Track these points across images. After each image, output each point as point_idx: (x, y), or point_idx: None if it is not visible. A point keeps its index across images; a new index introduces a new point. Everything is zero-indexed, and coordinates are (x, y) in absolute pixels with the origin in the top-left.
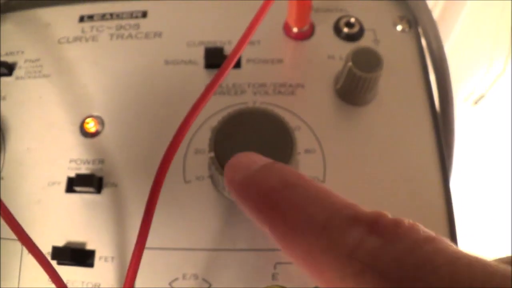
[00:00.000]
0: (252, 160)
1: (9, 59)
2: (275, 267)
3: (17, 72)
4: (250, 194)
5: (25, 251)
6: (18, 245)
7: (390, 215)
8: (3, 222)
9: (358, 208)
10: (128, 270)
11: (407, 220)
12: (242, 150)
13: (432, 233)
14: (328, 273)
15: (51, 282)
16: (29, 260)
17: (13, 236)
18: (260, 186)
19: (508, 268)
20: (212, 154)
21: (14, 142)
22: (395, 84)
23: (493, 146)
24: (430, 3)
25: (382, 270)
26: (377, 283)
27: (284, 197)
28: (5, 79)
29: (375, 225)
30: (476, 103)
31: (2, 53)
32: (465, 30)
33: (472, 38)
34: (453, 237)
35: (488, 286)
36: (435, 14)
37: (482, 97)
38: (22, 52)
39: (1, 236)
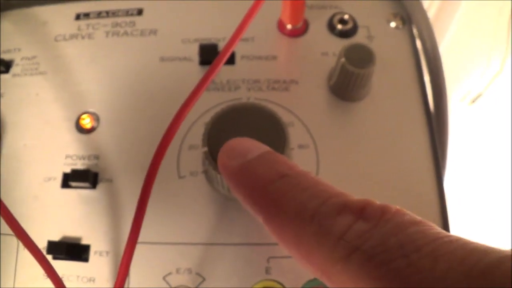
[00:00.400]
0: (247, 148)
1: (6, 57)
2: (268, 261)
3: (14, 70)
4: (245, 183)
5: (21, 246)
6: (14, 241)
7: (377, 202)
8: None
9: (347, 197)
10: (121, 264)
11: (393, 206)
12: None
13: (417, 217)
14: (319, 259)
15: (46, 278)
16: (25, 255)
17: (9, 231)
18: (255, 176)
19: (486, 245)
20: (206, 149)
21: (11, 139)
22: (388, 80)
23: (490, 145)
24: (426, 2)
25: (368, 251)
26: (364, 265)
27: (277, 188)
28: (2, 76)
29: (363, 211)
30: (473, 102)
31: None
32: (462, 29)
33: (469, 37)
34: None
35: (467, 262)
36: (432, 12)
37: (479, 96)
38: (19, 50)
39: None
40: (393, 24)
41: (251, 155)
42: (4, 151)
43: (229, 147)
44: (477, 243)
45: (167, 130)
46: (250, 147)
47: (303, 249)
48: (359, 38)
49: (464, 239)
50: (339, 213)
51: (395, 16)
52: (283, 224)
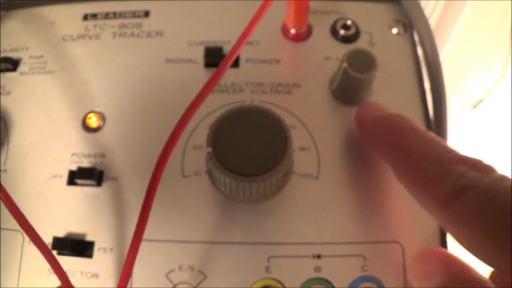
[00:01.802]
0: (384, 107)
1: (13, 55)
2: (268, 260)
3: (21, 68)
4: (381, 128)
5: (26, 242)
6: (19, 236)
7: (485, 161)
8: (4, 213)
9: (462, 153)
10: (126, 261)
11: (494, 167)
12: (239, 146)
13: (505, 174)
14: (440, 193)
15: (51, 273)
16: (30, 250)
17: (15, 226)
18: (392, 124)
19: None
20: (210, 149)
21: (17, 136)
22: (389, 85)
23: (491, 149)
24: (428, 8)
25: (481, 189)
26: (476, 196)
27: (410, 135)
28: (9, 75)
29: (476, 164)
30: (474, 107)
31: (7, 49)
32: (464, 35)
33: (471, 44)
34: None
35: None
36: (434, 17)
37: (480, 101)
38: (27, 49)
39: (3, 227)
40: (394, 30)
41: (386, 111)
42: (10, 148)
43: (366, 105)
44: None
45: (173, 131)
46: (386, 107)
47: (427, 185)
48: (361, 43)
49: None
50: (458, 162)
51: (397, 23)
52: (412, 162)
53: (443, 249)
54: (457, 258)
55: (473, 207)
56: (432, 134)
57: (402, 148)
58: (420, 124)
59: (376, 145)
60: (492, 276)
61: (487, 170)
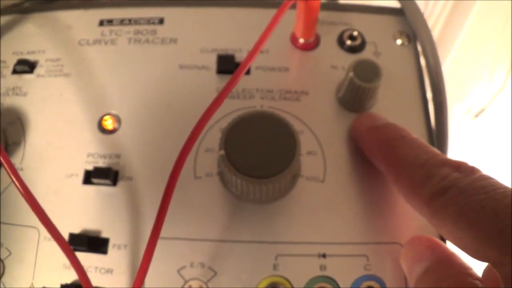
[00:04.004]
0: (377, 117)
1: (30, 58)
2: (276, 258)
3: (38, 70)
4: (375, 137)
5: (42, 238)
6: (35, 232)
7: (469, 163)
8: (19, 209)
9: (447, 157)
10: (142, 259)
11: (479, 168)
12: (250, 150)
13: (488, 175)
14: (425, 192)
15: (66, 268)
16: (46, 246)
17: (31, 223)
18: (385, 133)
19: None
20: (222, 152)
21: (34, 136)
22: (393, 94)
23: (492, 157)
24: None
25: (461, 187)
26: (456, 194)
27: (400, 143)
28: (26, 76)
29: (459, 167)
30: (476, 116)
31: (24, 51)
32: (467, 45)
33: (473, 55)
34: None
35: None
36: (437, 29)
37: (482, 111)
38: (43, 52)
39: (19, 223)
40: (399, 41)
41: (379, 122)
42: (27, 147)
43: (362, 116)
44: None
45: (190, 135)
46: (380, 117)
47: (414, 186)
48: (367, 53)
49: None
50: (443, 165)
51: (401, 34)
52: (402, 168)
53: (431, 237)
54: (443, 245)
55: (454, 204)
56: (422, 141)
57: (393, 154)
58: (410, 133)
59: (371, 153)
60: (484, 272)
61: (468, 171)
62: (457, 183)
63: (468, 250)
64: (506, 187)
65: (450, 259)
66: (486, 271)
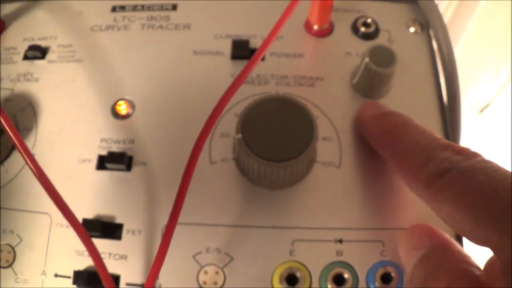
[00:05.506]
0: (381, 106)
1: (42, 43)
2: (292, 244)
3: (49, 56)
4: (379, 125)
5: (54, 224)
6: (47, 218)
7: (471, 149)
8: (31, 195)
9: (449, 141)
10: (160, 246)
11: (479, 153)
12: (267, 133)
13: (488, 159)
14: (425, 175)
15: (79, 254)
16: (57, 232)
17: (42, 209)
18: (388, 121)
19: None
20: (240, 135)
21: (46, 122)
22: (407, 81)
23: (496, 153)
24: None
25: (461, 169)
26: (456, 176)
27: (402, 130)
28: (38, 62)
29: (460, 151)
30: (481, 112)
31: (35, 37)
32: (472, 42)
33: (478, 50)
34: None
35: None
36: None
37: (487, 106)
38: (55, 38)
39: (30, 209)
40: (412, 29)
41: (382, 110)
42: (39, 132)
43: (365, 105)
44: None
45: (207, 121)
46: (383, 106)
47: (414, 169)
48: (381, 40)
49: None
50: (444, 149)
51: (414, 22)
52: (403, 152)
53: (429, 225)
54: (441, 232)
55: (453, 186)
56: (424, 128)
57: (395, 140)
58: (412, 119)
59: (374, 141)
60: (486, 264)
61: (470, 155)
62: (458, 165)
63: (468, 234)
64: (507, 170)
65: (448, 246)
66: (486, 266)
